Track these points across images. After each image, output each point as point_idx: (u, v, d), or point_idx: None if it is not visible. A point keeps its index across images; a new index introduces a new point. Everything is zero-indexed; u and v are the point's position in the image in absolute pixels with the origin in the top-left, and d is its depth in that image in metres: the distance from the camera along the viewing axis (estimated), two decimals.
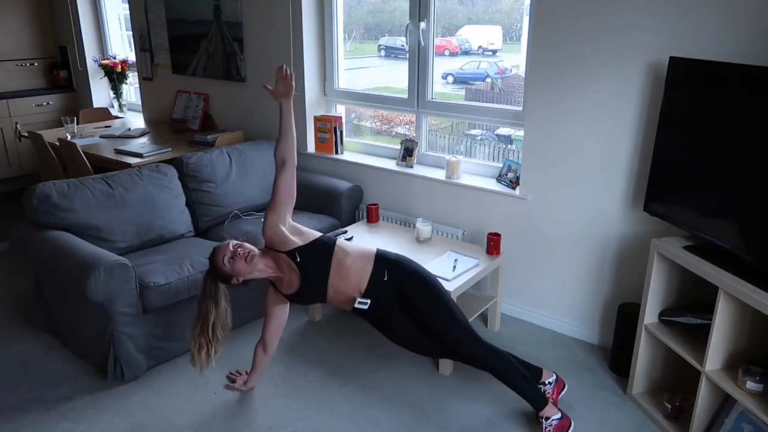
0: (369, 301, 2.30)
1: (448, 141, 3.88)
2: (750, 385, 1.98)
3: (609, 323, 2.87)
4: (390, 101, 3.60)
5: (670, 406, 2.34)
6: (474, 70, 3.84)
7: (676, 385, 2.50)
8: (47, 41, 5.42)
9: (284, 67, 2.31)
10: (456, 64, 3.81)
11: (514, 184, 3.09)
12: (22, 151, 5.18)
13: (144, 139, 4.12)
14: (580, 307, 2.99)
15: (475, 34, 3.63)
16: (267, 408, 2.48)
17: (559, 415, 2.28)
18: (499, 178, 3.18)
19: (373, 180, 3.58)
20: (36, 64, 5.39)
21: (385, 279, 2.32)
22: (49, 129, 4.56)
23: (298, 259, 2.29)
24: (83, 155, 3.60)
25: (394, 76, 3.67)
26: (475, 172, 3.32)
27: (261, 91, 3.92)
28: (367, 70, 4.01)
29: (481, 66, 3.82)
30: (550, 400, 2.36)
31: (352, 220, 3.57)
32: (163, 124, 4.62)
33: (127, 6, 4.79)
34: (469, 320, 2.47)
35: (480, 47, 3.70)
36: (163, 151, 3.79)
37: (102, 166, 3.63)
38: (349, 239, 3.06)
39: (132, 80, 5.37)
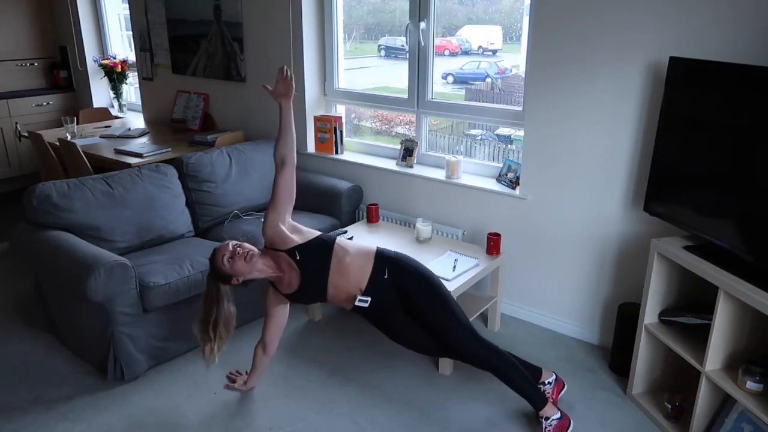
0: (369, 298, 2.30)
1: (448, 141, 3.88)
2: (750, 385, 1.98)
3: (609, 323, 2.87)
4: (390, 101, 3.60)
5: (670, 406, 2.34)
6: (474, 70, 3.84)
7: (676, 385, 2.50)
8: (47, 41, 5.42)
9: (285, 68, 2.32)
10: (456, 64, 3.81)
11: (514, 184, 3.09)
12: (22, 151, 5.18)
13: (144, 139, 4.12)
14: (580, 307, 2.99)
15: (475, 34, 3.63)
16: (267, 408, 2.48)
17: (558, 415, 2.28)
18: (499, 178, 3.18)
19: (373, 180, 3.58)
20: (36, 64, 5.39)
21: (386, 277, 2.32)
22: (49, 129, 4.56)
23: (298, 258, 2.29)
24: (83, 155, 3.61)
25: (394, 76, 3.67)
26: (475, 172, 3.32)
27: (261, 91, 3.92)
28: (367, 70, 4.01)
29: (481, 66, 3.82)
30: (550, 399, 2.36)
31: (352, 220, 3.57)
32: (163, 124, 4.62)
33: (127, 6, 4.79)
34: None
35: (480, 47, 3.70)
36: (163, 151, 3.79)
37: (102, 166, 3.63)
38: (350, 239, 3.05)
39: (132, 80, 5.38)
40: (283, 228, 2.33)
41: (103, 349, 2.59)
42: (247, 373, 2.59)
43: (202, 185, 3.30)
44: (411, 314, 2.36)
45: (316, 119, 3.76)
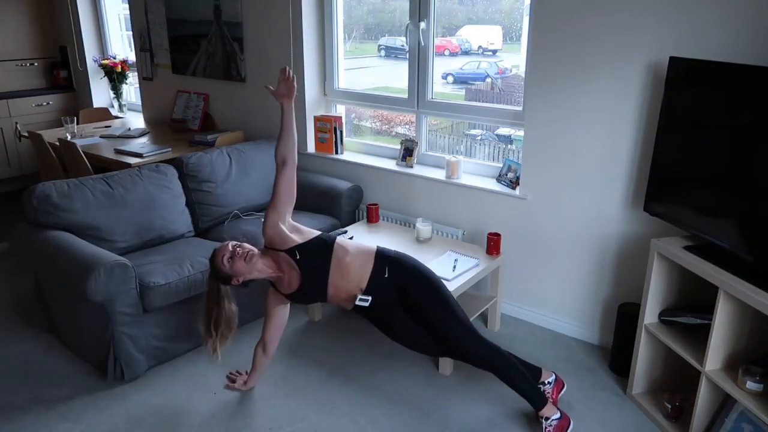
0: (370, 298, 2.30)
1: (448, 141, 3.88)
2: (750, 385, 1.98)
3: (609, 323, 2.87)
4: (390, 101, 3.60)
5: (670, 406, 2.34)
6: (474, 70, 3.84)
7: (676, 385, 2.51)
8: (47, 41, 5.42)
9: (287, 68, 2.33)
10: (456, 64, 3.81)
11: (514, 184, 3.09)
12: (22, 151, 5.18)
13: (144, 139, 4.12)
14: (580, 307, 2.99)
15: (475, 34, 3.63)
16: (267, 408, 2.48)
17: (558, 415, 2.28)
18: (499, 178, 3.18)
19: (373, 180, 3.58)
20: (36, 64, 5.39)
21: (386, 276, 2.32)
22: (49, 129, 4.56)
23: (298, 257, 2.30)
24: (83, 155, 3.61)
25: (394, 76, 3.67)
26: (475, 172, 3.32)
27: (261, 91, 3.93)
28: (367, 70, 4.01)
29: (481, 66, 3.82)
30: (550, 399, 2.36)
31: (352, 220, 3.57)
32: (163, 124, 4.62)
33: (127, 6, 4.79)
34: None
35: (480, 47, 3.71)
36: (163, 151, 3.79)
37: (102, 166, 3.63)
38: (350, 239, 3.05)
39: (132, 80, 5.38)
40: (283, 228, 2.33)
41: (103, 349, 2.59)
42: (247, 373, 2.59)
43: (202, 185, 3.30)
44: (411, 314, 2.36)
45: (316, 119, 3.76)
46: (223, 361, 2.67)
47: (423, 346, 2.42)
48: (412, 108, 3.48)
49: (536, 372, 2.45)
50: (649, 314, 2.40)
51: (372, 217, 3.38)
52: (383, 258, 2.36)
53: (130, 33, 4.92)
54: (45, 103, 5.33)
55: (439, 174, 3.33)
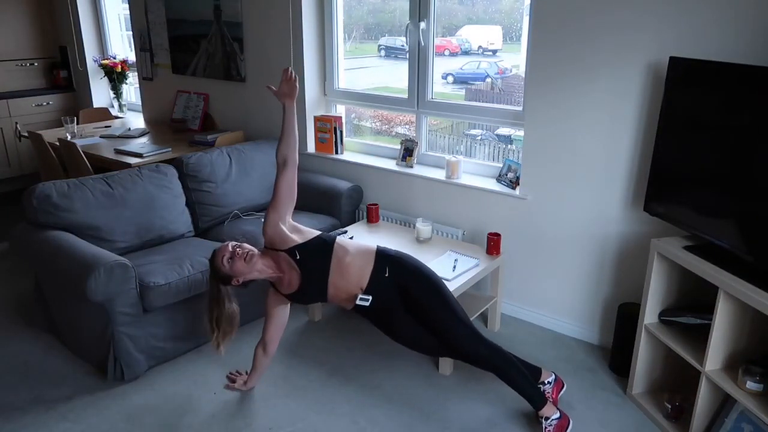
0: (371, 297, 2.30)
1: (448, 141, 3.88)
2: (750, 385, 1.98)
3: (609, 323, 2.87)
4: (390, 101, 3.60)
5: (670, 406, 2.34)
6: (474, 70, 3.84)
7: (676, 385, 2.51)
8: (47, 41, 5.42)
9: (290, 69, 2.33)
10: (456, 64, 3.81)
11: (514, 184, 3.09)
12: (22, 151, 5.18)
13: (144, 139, 4.12)
14: (580, 307, 2.99)
15: (475, 34, 3.63)
16: (267, 408, 2.48)
17: (558, 415, 2.28)
18: (499, 178, 3.18)
19: (373, 180, 3.58)
20: (36, 64, 5.39)
21: (387, 276, 2.32)
22: (49, 129, 4.57)
23: (298, 257, 2.30)
24: (83, 155, 3.61)
25: (394, 76, 3.67)
26: (475, 172, 3.32)
27: (261, 91, 3.93)
28: (367, 70, 4.01)
29: (481, 66, 3.82)
30: (550, 399, 2.36)
31: (352, 220, 3.57)
32: (163, 124, 4.62)
33: (127, 6, 4.79)
34: None
35: (480, 47, 3.71)
36: (163, 151, 3.79)
37: (102, 166, 3.63)
38: (350, 239, 3.05)
39: (132, 80, 5.38)
40: (284, 228, 2.33)
41: (103, 349, 2.59)
42: (247, 373, 2.59)
43: (202, 185, 3.30)
44: (412, 313, 2.36)
45: (316, 119, 3.76)
46: (224, 361, 2.67)
47: (423, 346, 2.42)
48: (412, 108, 3.48)
49: (536, 372, 2.45)
50: (649, 314, 2.40)
51: (372, 217, 3.38)
52: (384, 257, 2.36)
53: (130, 33, 4.92)
54: (45, 103, 5.33)
55: (439, 174, 3.33)
